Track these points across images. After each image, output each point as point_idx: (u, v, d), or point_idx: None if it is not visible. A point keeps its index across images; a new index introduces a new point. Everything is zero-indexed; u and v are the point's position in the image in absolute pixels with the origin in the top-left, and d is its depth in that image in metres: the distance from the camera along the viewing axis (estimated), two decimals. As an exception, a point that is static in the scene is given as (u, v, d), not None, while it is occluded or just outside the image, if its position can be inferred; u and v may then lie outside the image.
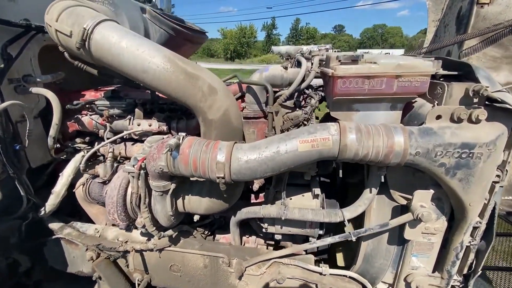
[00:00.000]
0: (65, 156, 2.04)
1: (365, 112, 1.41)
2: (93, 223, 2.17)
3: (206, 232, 2.04)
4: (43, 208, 1.91)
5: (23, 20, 1.75)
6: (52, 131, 1.82)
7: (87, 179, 1.85)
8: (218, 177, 1.23)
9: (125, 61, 1.44)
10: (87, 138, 2.21)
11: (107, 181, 1.77)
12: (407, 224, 1.43)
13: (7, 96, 1.75)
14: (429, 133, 1.21)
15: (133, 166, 1.45)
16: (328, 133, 1.25)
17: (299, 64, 1.94)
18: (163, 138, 1.71)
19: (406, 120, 1.44)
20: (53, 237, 2.04)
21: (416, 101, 1.43)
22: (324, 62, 1.74)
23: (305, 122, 1.52)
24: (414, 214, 1.34)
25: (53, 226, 2.05)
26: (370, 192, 1.51)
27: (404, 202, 1.51)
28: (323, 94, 1.76)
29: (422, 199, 1.36)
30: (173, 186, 1.45)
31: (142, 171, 1.46)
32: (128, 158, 2.08)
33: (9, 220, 1.91)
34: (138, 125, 1.85)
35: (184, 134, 1.33)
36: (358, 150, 1.23)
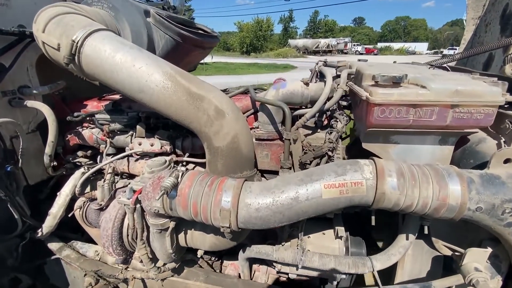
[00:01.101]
0: (64, 172, 1.90)
1: (407, 146, 1.14)
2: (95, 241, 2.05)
3: (213, 258, 1.85)
4: (40, 230, 1.79)
5: (17, 27, 1.59)
6: (48, 149, 1.67)
7: (84, 203, 1.70)
8: (222, 226, 1.02)
9: (120, 78, 1.24)
10: (89, 152, 2.06)
11: (104, 207, 1.61)
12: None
13: (0, 110, 1.61)
14: (495, 183, 0.93)
15: (128, 199, 1.26)
16: (361, 175, 1.00)
17: (321, 76, 1.67)
18: (166, 162, 1.52)
19: (458, 156, 1.16)
20: (52, 257, 1.93)
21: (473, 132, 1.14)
22: (353, 76, 1.47)
23: (330, 153, 1.27)
24: (466, 278, 1.06)
25: (52, 246, 1.92)
26: (407, 238, 1.25)
27: (449, 253, 1.24)
28: (351, 115, 1.49)
29: (477, 259, 1.08)
30: (172, 224, 1.26)
31: (138, 205, 1.27)
32: (131, 175, 1.91)
33: (5, 241, 1.80)
34: (139, 144, 1.66)
35: (183, 169, 1.11)
36: (399, 200, 0.97)
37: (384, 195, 0.97)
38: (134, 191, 1.29)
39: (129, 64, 1.22)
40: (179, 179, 1.07)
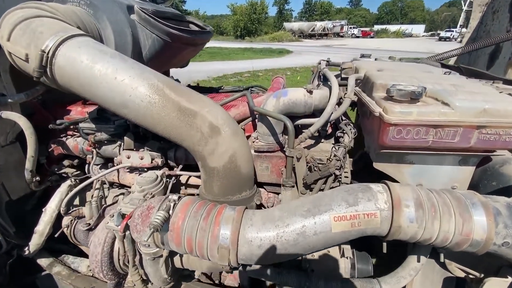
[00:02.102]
0: (50, 184, 1.77)
1: (423, 166, 1.04)
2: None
3: (212, 269, 1.77)
4: (27, 248, 1.68)
5: None
6: (28, 164, 1.53)
7: (71, 221, 1.58)
8: (221, 265, 0.92)
9: (100, 93, 1.09)
10: (76, 161, 1.92)
11: (92, 227, 1.50)
12: (469, 312, 1.10)
13: (-29, 123, 1.46)
14: (525, 214, 0.83)
15: (117, 225, 1.15)
16: (375, 206, 0.89)
17: (325, 79, 1.54)
18: (157, 178, 1.40)
19: (477, 175, 1.06)
20: (43, 273, 1.84)
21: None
22: (360, 81, 1.34)
23: (337, 171, 1.16)
24: (485, 310, 0.99)
25: (42, 262, 1.82)
26: (418, 261, 1.17)
27: (462, 274, 1.17)
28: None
29: (496, 289, 1.01)
30: (166, 252, 1.15)
31: (128, 231, 1.16)
32: (122, 185, 1.79)
33: (-10, 259, 1.70)
34: (128, 157, 1.53)
35: (175, 198, 0.99)
36: (416, 234, 0.87)
37: (400, 228, 0.87)
38: (123, 216, 1.18)
39: (110, 76, 1.07)
40: (171, 211, 0.95)
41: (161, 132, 1.13)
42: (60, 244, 1.99)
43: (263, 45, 28.65)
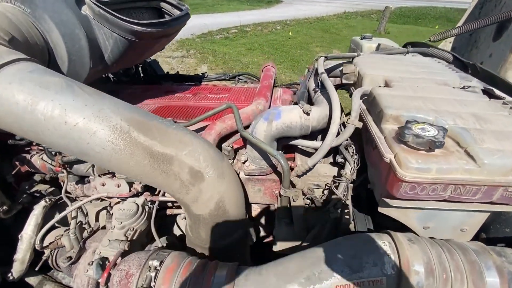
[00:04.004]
0: (21, 207, 1.62)
1: (433, 212, 0.92)
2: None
3: None
4: (10, 274, 1.60)
5: None
6: (-11, 193, 1.35)
7: (51, 251, 1.47)
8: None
9: (49, 140, 0.88)
10: (48, 176, 1.74)
11: (75, 260, 1.40)
12: None
13: None
14: (544, 282, 0.76)
15: (97, 278, 1.05)
16: (381, 271, 0.80)
17: (322, 87, 1.32)
18: (137, 210, 1.26)
19: (490, 218, 0.96)
20: (32, 292, 1.80)
21: None
22: (365, 97, 1.15)
23: (337, 213, 1.04)
24: None
25: (31, 281, 1.76)
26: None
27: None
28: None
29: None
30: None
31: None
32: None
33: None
34: (103, 185, 1.36)
35: (157, 265, 0.87)
36: (425, 301, 0.80)
37: (408, 296, 0.79)
38: (102, 266, 1.07)
39: (58, 121, 0.85)
40: (153, 283, 0.84)
41: (135, 179, 0.95)
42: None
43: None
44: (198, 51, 8.57)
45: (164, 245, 1.34)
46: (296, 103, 1.64)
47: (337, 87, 1.69)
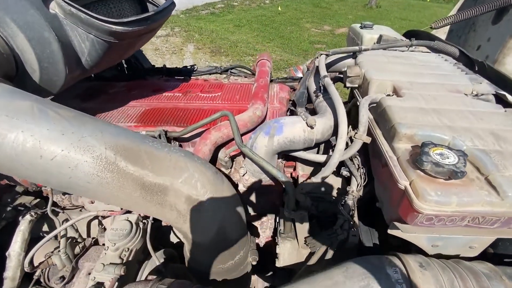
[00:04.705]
0: (5, 223, 1.52)
1: (444, 237, 0.89)
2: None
3: None
4: (0, 291, 1.53)
5: None
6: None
7: (42, 271, 1.40)
8: None
9: (25, 175, 0.77)
10: (31, 188, 1.62)
11: (68, 280, 1.33)
12: None
13: None
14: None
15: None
16: (392, 303, 0.77)
17: (325, 90, 1.22)
18: (131, 229, 1.19)
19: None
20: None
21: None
22: (373, 104, 1.07)
23: (344, 232, 0.99)
24: None
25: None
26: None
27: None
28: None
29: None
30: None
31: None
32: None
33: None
34: (92, 202, 1.27)
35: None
36: (435, 330, 0.78)
37: (419, 325, 0.77)
38: (99, 293, 1.02)
39: (32, 155, 0.74)
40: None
41: (127, 209, 0.87)
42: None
43: None
44: (183, 29, 8.10)
45: (162, 260, 1.29)
46: (294, 103, 1.54)
47: (335, 80, 1.60)
